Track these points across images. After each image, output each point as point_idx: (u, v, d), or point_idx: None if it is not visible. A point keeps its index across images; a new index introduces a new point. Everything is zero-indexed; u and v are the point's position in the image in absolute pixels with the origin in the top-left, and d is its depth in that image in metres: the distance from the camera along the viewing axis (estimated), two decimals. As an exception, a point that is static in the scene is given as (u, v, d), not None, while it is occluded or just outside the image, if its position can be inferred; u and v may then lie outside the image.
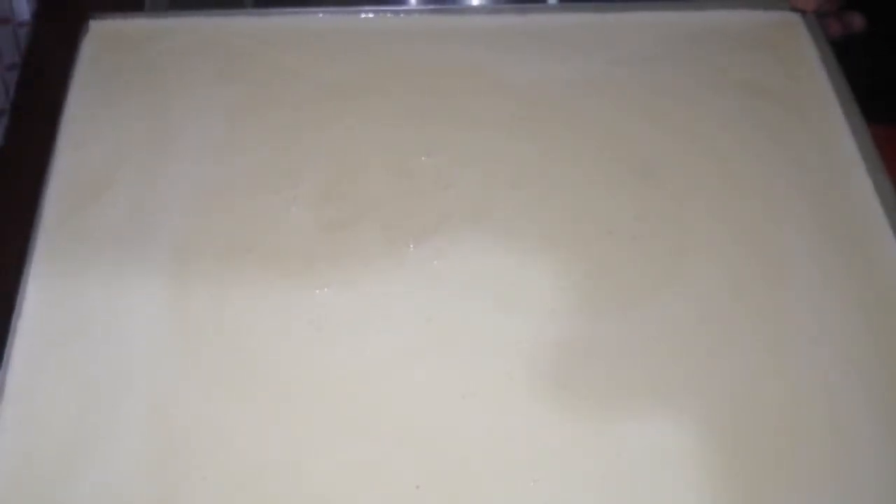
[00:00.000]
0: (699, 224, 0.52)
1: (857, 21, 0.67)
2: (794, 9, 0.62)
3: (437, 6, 0.64)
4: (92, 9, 0.63)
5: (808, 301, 0.49)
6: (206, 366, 0.47)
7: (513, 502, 0.43)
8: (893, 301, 0.49)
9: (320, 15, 0.62)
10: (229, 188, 0.54)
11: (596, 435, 0.45)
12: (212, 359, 0.47)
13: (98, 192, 0.53)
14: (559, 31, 0.62)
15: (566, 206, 0.53)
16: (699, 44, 0.61)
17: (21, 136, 0.61)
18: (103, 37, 0.61)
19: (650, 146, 0.56)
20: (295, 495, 0.43)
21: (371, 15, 0.63)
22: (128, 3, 0.69)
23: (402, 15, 0.63)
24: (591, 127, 0.57)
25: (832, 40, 0.61)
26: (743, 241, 0.52)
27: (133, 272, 0.50)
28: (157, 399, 0.45)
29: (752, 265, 0.51)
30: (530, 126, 0.57)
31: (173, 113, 0.57)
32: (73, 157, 0.55)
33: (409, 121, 0.57)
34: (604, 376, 0.47)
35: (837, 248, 0.51)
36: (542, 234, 0.52)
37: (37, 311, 0.49)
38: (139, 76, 0.59)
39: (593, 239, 0.52)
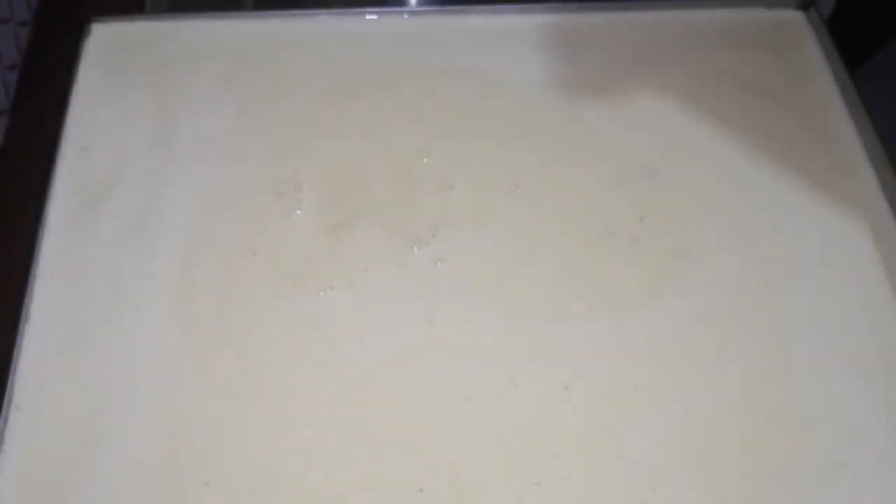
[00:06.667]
0: (700, 225, 0.52)
1: None
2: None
3: (438, 7, 0.64)
4: (92, 8, 0.63)
5: (812, 301, 0.49)
6: (209, 369, 0.47)
7: (516, 505, 0.43)
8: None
9: (321, 16, 0.62)
10: (232, 191, 0.54)
11: (599, 437, 0.45)
12: (216, 362, 0.47)
13: (102, 195, 0.53)
14: (559, 31, 0.62)
15: (567, 206, 0.53)
16: (701, 43, 0.61)
17: (21, 137, 0.61)
18: (106, 39, 0.61)
19: (651, 147, 0.56)
20: (298, 499, 0.43)
21: (371, 16, 0.62)
22: (127, 2, 0.69)
23: (402, 16, 0.63)
24: (592, 127, 0.57)
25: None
26: (745, 242, 0.52)
27: (138, 276, 0.50)
28: (162, 403, 0.46)
29: (755, 265, 0.51)
30: (531, 127, 0.57)
31: (177, 116, 0.57)
32: (77, 161, 0.55)
33: (411, 122, 0.57)
34: (606, 378, 0.47)
35: (842, 249, 0.51)
36: (543, 235, 0.52)
37: (43, 315, 0.49)
38: (142, 79, 0.59)
39: (594, 240, 0.52)
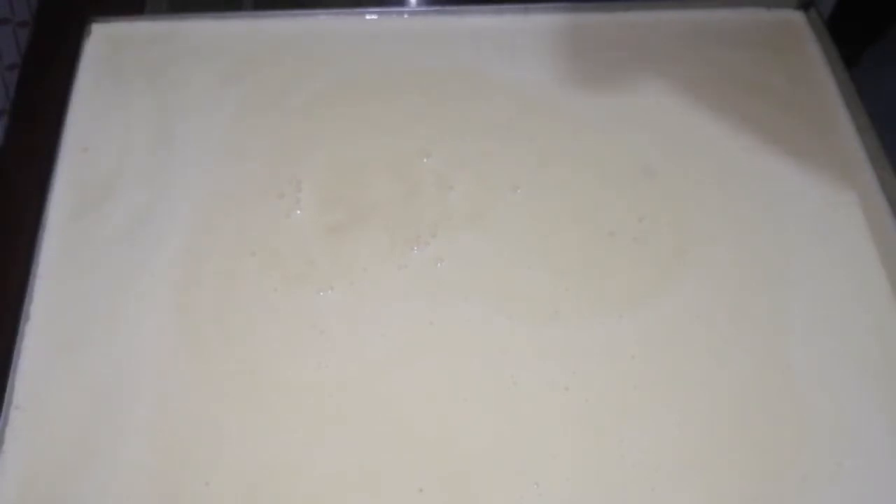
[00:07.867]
0: (700, 224, 0.52)
1: None
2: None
3: (438, 7, 0.64)
4: (91, 8, 0.63)
5: (812, 300, 0.49)
6: (209, 369, 0.47)
7: (516, 504, 0.43)
8: (896, 300, 0.49)
9: (321, 16, 0.62)
10: (232, 191, 0.54)
11: (598, 437, 0.45)
12: (215, 362, 0.47)
13: (102, 195, 0.53)
14: (559, 31, 0.62)
15: (567, 207, 0.53)
16: (701, 43, 0.61)
17: (21, 137, 0.61)
18: (105, 39, 0.61)
19: (651, 147, 0.56)
20: (298, 499, 0.43)
21: (371, 16, 0.62)
22: (127, 2, 0.69)
23: (402, 16, 0.63)
24: (591, 127, 0.57)
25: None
26: (745, 242, 0.52)
27: (138, 276, 0.50)
28: (162, 403, 0.46)
29: (755, 265, 0.51)
30: (531, 127, 0.57)
31: (176, 116, 0.57)
32: (77, 161, 0.55)
33: (410, 123, 0.57)
34: (606, 378, 0.47)
35: (841, 248, 0.52)
36: (543, 236, 0.52)
37: (44, 315, 0.49)
38: (142, 79, 0.59)
39: (595, 240, 0.52)
